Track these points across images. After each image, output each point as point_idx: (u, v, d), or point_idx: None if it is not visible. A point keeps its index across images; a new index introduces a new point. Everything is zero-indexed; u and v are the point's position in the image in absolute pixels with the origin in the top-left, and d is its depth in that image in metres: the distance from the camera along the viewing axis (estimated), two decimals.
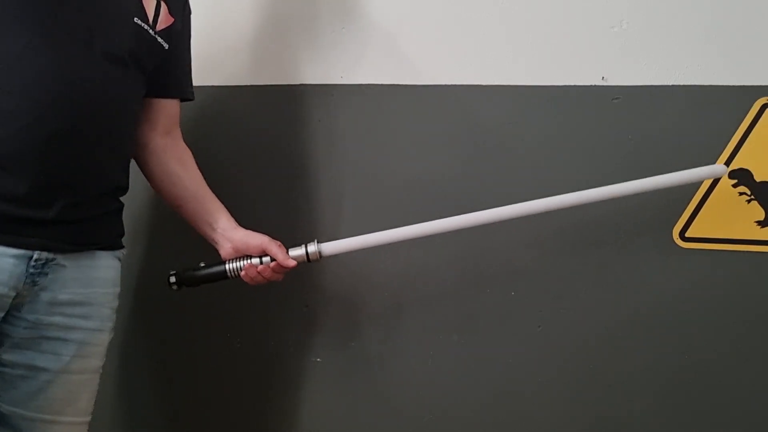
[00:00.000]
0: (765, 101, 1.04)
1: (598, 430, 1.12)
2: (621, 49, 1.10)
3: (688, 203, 1.08)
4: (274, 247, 1.00)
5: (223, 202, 1.07)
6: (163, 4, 1.00)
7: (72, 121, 0.86)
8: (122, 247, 1.03)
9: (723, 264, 1.07)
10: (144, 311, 1.34)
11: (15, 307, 0.87)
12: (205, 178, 1.09)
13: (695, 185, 1.07)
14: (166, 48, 1.01)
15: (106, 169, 0.94)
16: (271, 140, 1.28)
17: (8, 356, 0.89)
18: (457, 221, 1.00)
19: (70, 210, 0.89)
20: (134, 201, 1.05)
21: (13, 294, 0.85)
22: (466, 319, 1.17)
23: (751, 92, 1.05)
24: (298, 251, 1.01)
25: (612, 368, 1.11)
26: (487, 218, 1.00)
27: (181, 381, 1.34)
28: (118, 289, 1.01)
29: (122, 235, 1.03)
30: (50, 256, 0.88)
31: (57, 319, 0.90)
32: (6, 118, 0.82)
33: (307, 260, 1.01)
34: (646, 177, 1.06)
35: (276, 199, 1.27)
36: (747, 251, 1.06)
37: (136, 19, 0.95)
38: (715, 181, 1.07)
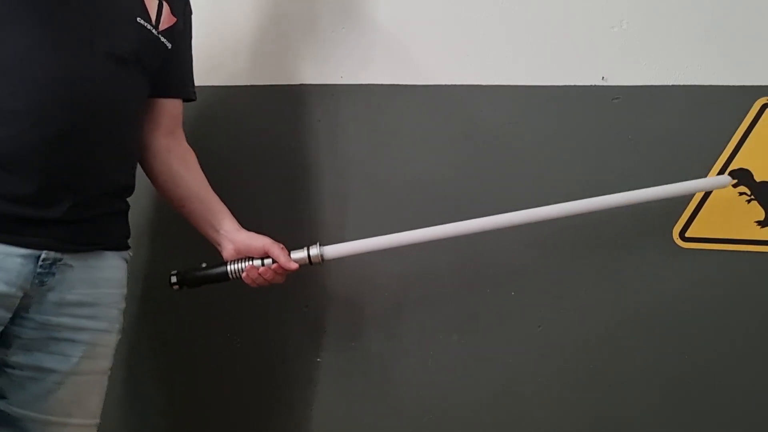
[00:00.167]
0: (765, 101, 1.04)
1: (598, 430, 1.12)
2: (621, 49, 1.10)
3: (688, 203, 1.08)
4: (276, 249, 1.00)
5: (223, 203, 1.07)
6: (165, 4, 1.00)
7: (76, 120, 0.86)
8: (128, 248, 1.03)
9: (723, 264, 1.07)
10: (145, 312, 1.34)
11: (23, 307, 0.87)
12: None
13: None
14: (170, 47, 1.01)
15: (110, 168, 0.94)
16: (270, 140, 1.28)
17: (17, 358, 0.89)
18: (460, 227, 1.00)
19: (77, 210, 0.89)
20: (137, 202, 1.05)
21: (21, 294, 0.85)
22: (466, 319, 1.17)
23: (751, 92, 1.04)
24: (300, 254, 1.01)
25: (612, 368, 1.11)
26: (490, 225, 1.00)
27: (182, 381, 1.34)
28: (125, 291, 1.01)
29: (128, 236, 1.04)
30: (58, 255, 0.88)
31: (65, 319, 0.90)
32: (10, 118, 0.82)
33: (309, 263, 1.01)
34: (646, 177, 1.07)
35: (276, 199, 1.27)
36: (747, 251, 1.06)
37: (138, 19, 0.95)
38: None
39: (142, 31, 0.95)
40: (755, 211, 1.05)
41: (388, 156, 1.21)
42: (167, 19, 1.00)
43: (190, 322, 1.32)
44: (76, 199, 0.88)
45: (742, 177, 1.05)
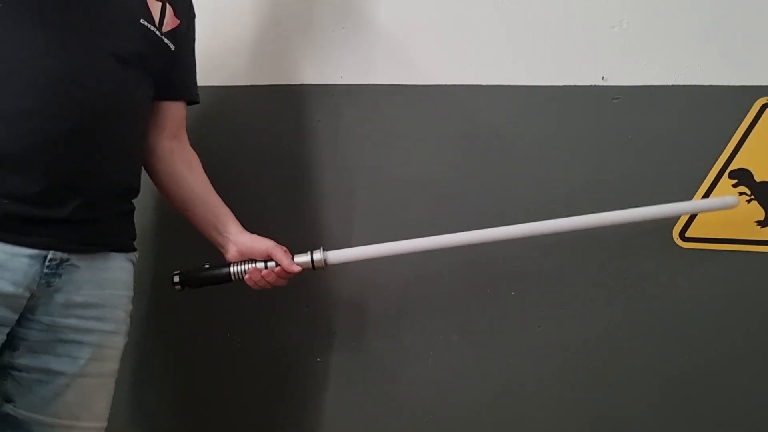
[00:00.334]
0: (765, 101, 1.04)
1: (598, 430, 1.12)
2: (621, 49, 1.10)
3: None
4: (279, 252, 1.00)
5: (226, 205, 1.08)
6: (168, 6, 1.01)
7: (80, 120, 0.86)
8: (135, 249, 1.03)
9: (723, 264, 1.07)
10: (146, 313, 1.34)
11: (29, 309, 0.87)
12: None
13: (695, 186, 1.07)
14: (173, 49, 1.01)
15: (115, 169, 0.95)
16: (270, 140, 1.28)
17: (24, 360, 0.88)
18: (463, 237, 1.01)
19: (83, 210, 0.89)
20: (141, 203, 1.05)
21: (28, 295, 0.85)
22: (467, 319, 1.17)
23: (751, 92, 1.04)
24: (303, 258, 1.01)
25: (612, 368, 1.11)
26: (494, 236, 1.01)
27: (183, 381, 1.34)
28: (131, 293, 1.01)
29: (134, 237, 1.04)
30: (64, 256, 0.88)
31: (72, 321, 0.90)
32: (16, 118, 0.82)
33: (312, 268, 1.01)
34: (646, 177, 1.08)
35: (275, 200, 1.27)
36: (747, 251, 1.05)
37: (142, 20, 0.95)
38: (715, 182, 1.06)
39: (145, 32, 0.96)
40: (755, 211, 1.05)
41: (388, 156, 1.21)
42: (170, 21, 1.01)
43: (191, 322, 1.32)
44: (81, 199, 0.88)
45: (742, 177, 1.05)
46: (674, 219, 1.08)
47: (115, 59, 0.90)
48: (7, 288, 0.82)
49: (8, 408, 0.89)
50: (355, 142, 1.23)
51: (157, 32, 0.98)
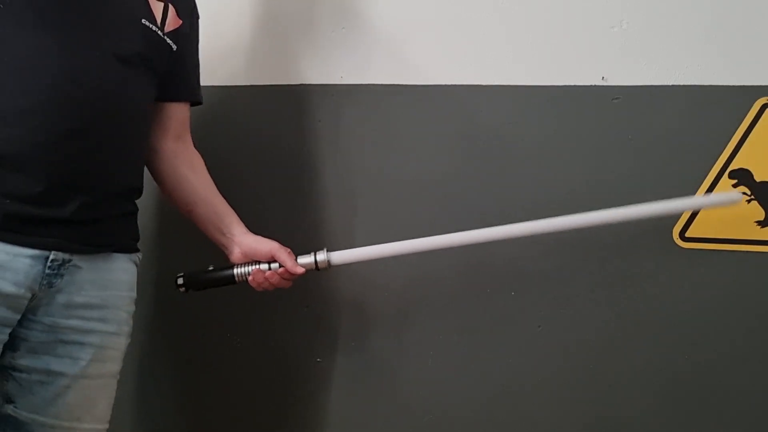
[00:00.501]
0: (765, 101, 1.04)
1: (598, 430, 1.12)
2: (621, 49, 1.10)
3: None
4: (283, 253, 1.00)
5: (230, 206, 1.08)
6: (171, 6, 1.01)
7: (83, 120, 0.86)
8: (138, 250, 1.03)
9: (723, 264, 1.07)
10: (146, 313, 1.34)
11: (30, 310, 0.87)
12: None
13: (695, 186, 1.07)
14: (175, 49, 1.01)
15: (118, 168, 0.94)
16: (270, 141, 1.28)
17: (25, 361, 0.88)
18: (466, 237, 1.00)
19: (86, 210, 0.89)
20: (144, 204, 1.05)
21: (29, 295, 0.85)
22: (467, 319, 1.17)
23: (751, 92, 1.04)
24: (306, 259, 1.01)
25: (612, 368, 1.11)
26: (495, 235, 1.00)
27: (183, 381, 1.34)
28: (134, 294, 1.01)
29: (137, 239, 1.03)
30: (66, 257, 0.88)
31: (74, 322, 0.90)
32: (18, 118, 0.82)
33: (316, 268, 1.01)
34: (646, 177, 1.08)
35: (275, 200, 1.27)
36: (747, 251, 1.06)
37: (143, 20, 0.95)
38: (715, 182, 1.07)
39: (146, 32, 0.96)
40: (755, 211, 1.05)
41: (388, 156, 1.21)
42: (173, 22, 1.01)
43: (192, 323, 1.32)
44: (83, 199, 0.88)
45: (742, 177, 1.05)
46: (674, 219, 1.08)
47: (116, 59, 0.90)
48: (9, 288, 0.82)
49: (9, 409, 0.89)
50: (355, 143, 1.23)
51: (159, 32, 0.98)
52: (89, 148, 0.88)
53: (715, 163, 1.06)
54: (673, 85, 1.08)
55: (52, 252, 0.86)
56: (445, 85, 1.18)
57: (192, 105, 1.12)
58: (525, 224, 1.00)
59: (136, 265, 1.02)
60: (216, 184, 1.10)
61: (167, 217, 1.32)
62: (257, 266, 1.01)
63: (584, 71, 1.11)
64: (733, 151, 1.05)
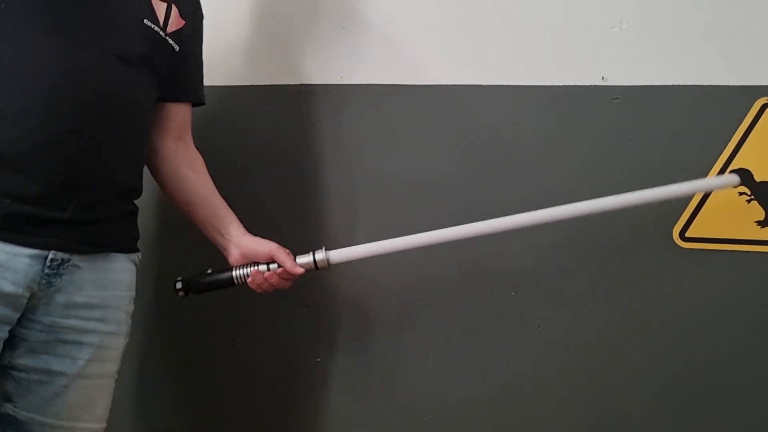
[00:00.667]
0: (765, 101, 1.04)
1: (598, 430, 1.12)
2: (621, 49, 1.10)
3: (688, 203, 1.08)
4: (282, 254, 1.00)
5: (230, 208, 1.08)
6: (174, 6, 1.00)
7: (85, 120, 0.86)
8: (137, 250, 1.03)
9: (723, 264, 1.07)
10: (146, 314, 1.34)
11: (30, 309, 0.87)
12: None
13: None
14: (177, 50, 1.01)
15: (119, 169, 0.95)
16: (270, 141, 1.28)
17: (24, 361, 0.88)
18: (463, 230, 1.00)
19: (86, 210, 0.89)
20: (144, 204, 1.05)
21: (28, 294, 0.85)
22: (467, 319, 1.17)
23: (751, 92, 1.04)
24: (305, 258, 1.01)
25: (612, 368, 1.11)
26: (495, 227, 1.00)
27: (183, 381, 1.34)
28: (133, 294, 1.01)
29: (137, 238, 1.03)
30: (66, 256, 0.88)
31: (73, 322, 0.90)
32: (19, 117, 0.82)
33: (315, 268, 1.01)
34: (646, 177, 1.07)
35: (275, 200, 1.27)
36: (747, 251, 1.06)
37: (146, 20, 0.95)
38: None
39: (148, 32, 0.96)
40: (755, 211, 1.05)
41: (388, 156, 1.21)
42: (175, 22, 1.01)
43: (192, 322, 1.32)
44: (83, 199, 0.88)
45: (742, 177, 1.05)
46: (674, 219, 1.08)
47: (117, 59, 0.90)
48: (7, 288, 0.82)
49: (8, 408, 0.89)
50: (355, 142, 1.23)
51: (161, 33, 0.98)
52: (89, 149, 0.88)
53: (715, 163, 1.06)
54: (673, 85, 1.08)
55: (51, 252, 0.86)
56: (445, 85, 1.18)
57: (194, 105, 1.12)
58: (525, 215, 0.99)
59: (136, 265, 1.02)
60: (216, 184, 1.10)
61: (167, 217, 1.32)
62: (256, 267, 1.01)
63: (584, 71, 1.11)
64: (733, 151, 1.05)
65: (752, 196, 1.05)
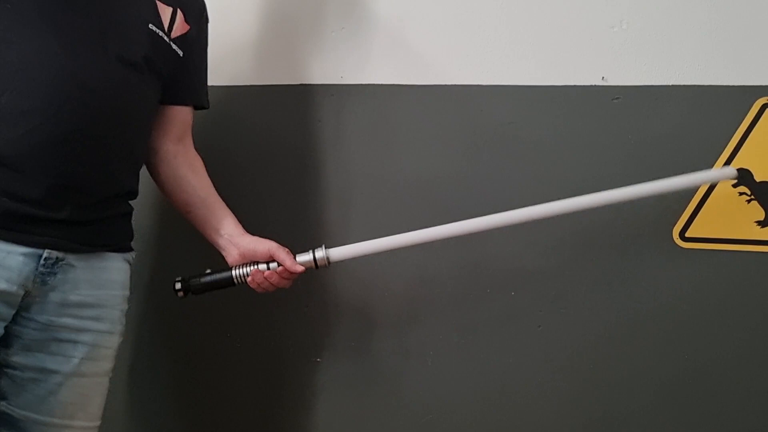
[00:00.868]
0: (765, 101, 1.04)
1: (598, 429, 1.12)
2: (621, 49, 1.10)
3: (688, 203, 1.08)
4: (281, 253, 1.00)
5: (228, 208, 1.08)
6: (179, 11, 1.00)
7: (85, 123, 0.87)
8: (131, 249, 1.03)
9: (723, 264, 1.07)
10: (146, 314, 1.34)
11: (24, 307, 0.87)
12: None
13: (695, 186, 1.07)
14: (181, 55, 1.02)
15: (117, 172, 0.95)
16: (271, 140, 1.28)
17: (18, 359, 0.88)
18: (465, 226, 1.00)
19: (81, 211, 0.89)
20: (143, 205, 1.05)
21: (22, 292, 0.85)
22: (466, 319, 1.17)
23: (751, 92, 1.04)
24: (305, 257, 1.01)
25: (612, 368, 1.11)
26: (494, 223, 1.00)
27: (183, 381, 1.34)
28: (127, 293, 1.01)
29: (131, 238, 1.04)
30: (60, 255, 0.88)
31: (67, 320, 0.90)
32: (19, 118, 0.83)
33: (315, 266, 1.01)
34: (646, 177, 1.06)
35: (275, 199, 1.27)
36: (747, 251, 1.06)
37: (150, 25, 0.95)
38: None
39: (153, 37, 0.96)
40: (755, 211, 1.05)
41: (388, 156, 1.21)
42: (180, 27, 1.01)
43: (191, 322, 1.32)
44: (80, 200, 0.89)
45: (742, 177, 1.05)
46: (674, 219, 1.08)
47: (120, 63, 0.90)
48: (1, 285, 0.83)
49: (3, 406, 0.89)
50: (355, 142, 1.23)
51: (165, 38, 0.98)
52: (88, 151, 0.88)
53: (715, 163, 1.06)
54: (673, 85, 1.08)
55: (46, 250, 0.87)
56: (445, 85, 1.18)
57: (197, 109, 1.12)
58: (521, 210, 0.99)
59: (130, 264, 1.02)
60: (216, 183, 1.10)
61: (165, 217, 1.32)
62: (256, 267, 1.01)
63: (584, 71, 1.11)
64: (733, 151, 1.06)
65: (752, 196, 1.05)
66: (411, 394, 1.20)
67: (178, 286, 1.03)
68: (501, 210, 1.11)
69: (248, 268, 1.01)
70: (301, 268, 1.00)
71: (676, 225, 1.08)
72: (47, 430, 0.90)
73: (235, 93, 1.30)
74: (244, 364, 1.29)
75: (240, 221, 1.06)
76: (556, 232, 1.12)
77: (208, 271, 1.03)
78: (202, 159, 1.12)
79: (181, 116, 1.09)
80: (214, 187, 1.10)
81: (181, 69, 1.03)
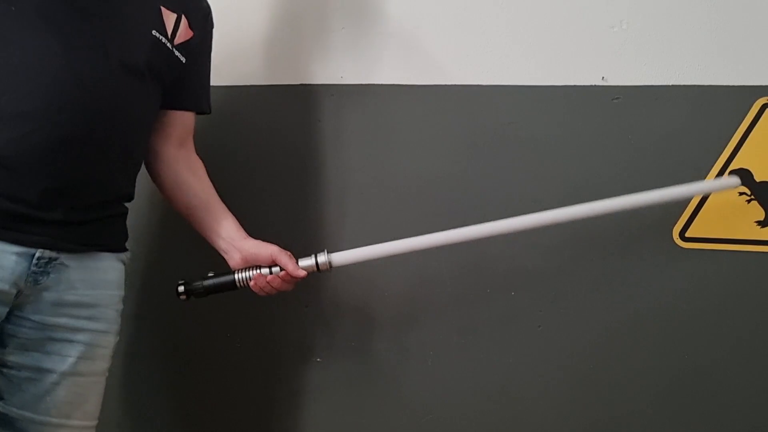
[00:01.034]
0: (765, 101, 1.04)
1: (598, 430, 1.12)
2: (621, 49, 1.10)
3: (688, 203, 1.08)
4: (284, 257, 1.00)
5: (230, 211, 1.07)
6: (183, 17, 1.00)
7: (84, 126, 0.86)
8: (126, 249, 1.03)
9: (723, 264, 1.07)
10: (146, 313, 1.34)
11: (18, 306, 0.87)
12: None
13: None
14: (184, 62, 1.01)
15: (114, 176, 0.95)
16: (270, 141, 1.28)
17: (14, 358, 0.89)
18: (467, 232, 1.00)
19: (76, 212, 0.89)
20: (143, 205, 1.05)
21: (15, 291, 0.85)
22: (467, 319, 1.17)
23: (751, 92, 1.04)
24: (308, 261, 1.01)
25: (612, 368, 1.11)
26: (496, 230, 1.00)
27: (182, 381, 1.34)
28: (122, 292, 1.01)
29: (126, 238, 1.03)
30: (53, 255, 0.88)
31: (63, 320, 0.90)
32: (18, 120, 0.83)
33: (317, 270, 1.01)
34: (646, 177, 1.07)
35: (275, 200, 1.27)
36: (747, 251, 1.06)
37: (154, 31, 0.95)
38: None
39: (156, 44, 0.96)
40: (755, 211, 1.05)
41: (388, 156, 1.21)
42: (184, 33, 1.01)
43: (190, 322, 1.32)
44: (76, 203, 0.89)
45: (742, 177, 1.05)
46: (674, 219, 1.08)
47: (123, 67, 0.90)
48: None
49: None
50: (355, 142, 1.23)
51: (169, 44, 0.98)
52: (86, 155, 0.88)
53: (715, 163, 1.06)
54: (673, 85, 1.08)
55: (39, 250, 0.87)
56: (445, 85, 1.18)
57: (199, 114, 1.12)
58: (527, 217, 0.99)
59: (124, 264, 1.02)
60: (215, 183, 1.10)
61: (163, 217, 1.32)
62: (258, 271, 1.01)
63: (584, 71, 1.11)
64: (733, 151, 1.05)
65: (752, 196, 1.05)
66: (411, 394, 1.20)
67: (180, 289, 1.03)
68: (501, 209, 1.11)
69: (251, 272, 1.01)
70: (303, 273, 1.00)
71: (676, 225, 1.08)
72: (44, 429, 0.90)
73: (235, 93, 1.30)
74: (244, 364, 1.29)
75: (239, 220, 1.06)
76: (556, 233, 1.12)
77: (211, 274, 1.03)
78: (202, 159, 1.12)
79: (183, 121, 1.09)
80: (214, 186, 1.10)
81: (183, 75, 1.03)
